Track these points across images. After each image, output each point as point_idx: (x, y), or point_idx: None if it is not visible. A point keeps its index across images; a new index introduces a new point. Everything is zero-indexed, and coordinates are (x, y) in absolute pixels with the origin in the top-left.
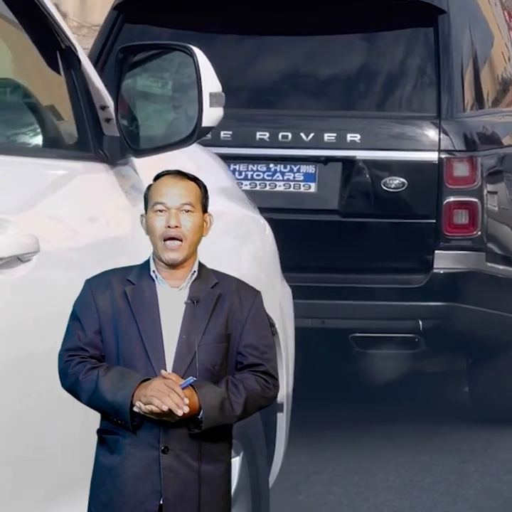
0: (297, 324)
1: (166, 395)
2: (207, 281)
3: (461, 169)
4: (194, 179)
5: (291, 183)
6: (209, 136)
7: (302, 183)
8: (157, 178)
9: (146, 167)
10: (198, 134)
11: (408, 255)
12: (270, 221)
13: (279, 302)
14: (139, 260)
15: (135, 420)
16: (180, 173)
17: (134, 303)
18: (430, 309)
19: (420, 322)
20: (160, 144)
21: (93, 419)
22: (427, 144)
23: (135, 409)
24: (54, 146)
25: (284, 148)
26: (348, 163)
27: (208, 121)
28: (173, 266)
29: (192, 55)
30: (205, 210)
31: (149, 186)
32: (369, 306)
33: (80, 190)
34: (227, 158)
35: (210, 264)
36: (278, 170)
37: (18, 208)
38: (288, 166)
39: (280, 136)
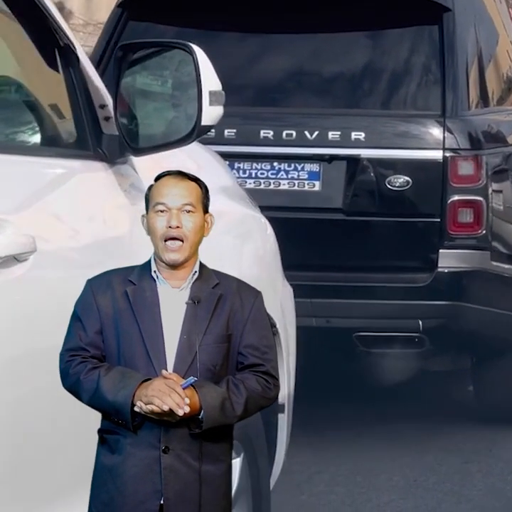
0: (301, 323)
1: (167, 394)
2: (208, 282)
3: (465, 168)
4: (195, 179)
5: (296, 182)
6: (213, 134)
7: (306, 182)
8: (158, 178)
9: (146, 166)
10: (198, 133)
11: (412, 254)
12: (274, 220)
13: (280, 302)
14: (137, 260)
15: (136, 420)
16: (181, 174)
17: (135, 303)
18: (435, 308)
19: (420, 322)
20: (159, 142)
21: (94, 419)
22: (432, 142)
23: (136, 409)
24: (52, 145)
25: (288, 146)
26: (353, 161)
27: (207, 119)
28: (174, 266)
29: (191, 52)
30: (206, 210)
31: (150, 187)
32: (373, 305)
33: (78, 189)
34: (231, 157)
35: (211, 264)
36: (282, 168)
37: (15, 208)
38: (292, 165)
39: (284, 135)
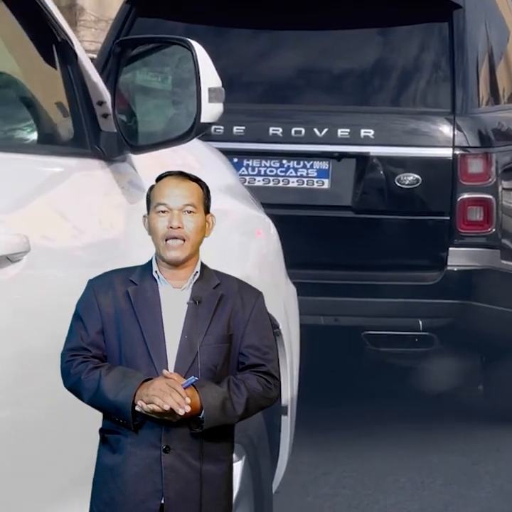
0: (310, 322)
1: (168, 394)
2: (209, 282)
3: (475, 166)
4: (196, 180)
5: (305, 179)
6: (222, 131)
7: (315, 179)
8: (159, 178)
9: (148, 164)
10: (197, 130)
11: (422, 252)
12: (283, 217)
13: (283, 303)
14: (134, 259)
15: (137, 420)
16: (182, 174)
17: (136, 303)
18: (444, 307)
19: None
20: (158, 140)
21: (95, 418)
22: (442, 140)
23: (137, 408)
24: (49, 142)
25: (297, 143)
26: (362, 159)
27: (207, 117)
28: (175, 265)
29: (190, 49)
30: (207, 210)
31: (152, 187)
32: (382, 304)
33: (74, 188)
34: (239, 154)
35: (214, 264)
36: (291, 166)
37: (9, 207)
38: (301, 162)
39: (293, 132)
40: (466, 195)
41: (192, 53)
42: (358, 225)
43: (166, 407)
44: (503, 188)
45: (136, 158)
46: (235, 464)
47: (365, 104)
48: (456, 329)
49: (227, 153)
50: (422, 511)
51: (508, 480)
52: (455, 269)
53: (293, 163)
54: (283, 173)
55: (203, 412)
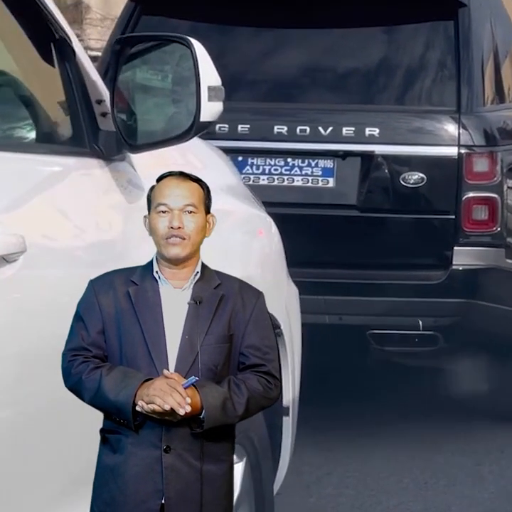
0: (315, 320)
1: (168, 394)
2: (210, 282)
3: (480, 164)
4: (197, 180)
5: (309, 178)
6: (226, 129)
7: (320, 178)
8: (160, 179)
9: (149, 164)
10: (196, 129)
11: (427, 251)
12: (288, 216)
13: (285, 303)
14: (131, 260)
15: (137, 420)
16: (183, 175)
17: (137, 303)
18: (449, 306)
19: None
20: (157, 139)
21: (96, 418)
22: (447, 138)
23: (137, 408)
24: (47, 141)
25: (302, 142)
26: (367, 157)
27: (206, 115)
28: (175, 264)
29: (190, 46)
30: (208, 210)
31: (152, 187)
32: (387, 303)
33: (72, 187)
34: (244, 152)
35: (216, 264)
36: (296, 164)
37: (5, 206)
38: (306, 161)
39: (298, 130)
40: (471, 194)
41: (191, 51)
42: (363, 224)
43: (167, 407)
44: (509, 187)
45: (137, 158)
46: (235, 466)
47: (370, 103)
48: (461, 328)
49: (232, 151)
50: None
51: (511, 481)
52: (460, 268)
53: (298, 162)
54: (288, 172)
55: (203, 412)
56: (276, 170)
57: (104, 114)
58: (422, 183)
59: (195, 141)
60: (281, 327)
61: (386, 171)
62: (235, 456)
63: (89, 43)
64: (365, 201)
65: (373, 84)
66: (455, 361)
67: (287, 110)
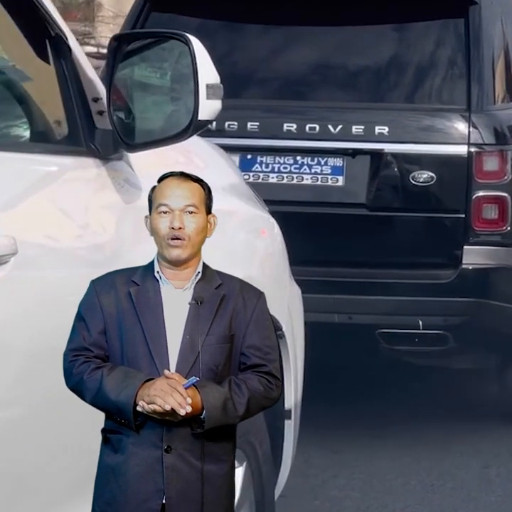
0: (324, 319)
1: (169, 394)
2: (211, 282)
3: (490, 163)
4: (198, 180)
5: (319, 176)
6: (235, 127)
7: (330, 176)
8: (161, 179)
9: (150, 163)
10: (194, 128)
11: (436, 250)
12: (297, 215)
13: (287, 304)
14: (126, 261)
15: (138, 420)
16: (184, 175)
17: (138, 303)
18: (458, 305)
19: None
20: (155, 138)
21: (98, 418)
22: (457, 137)
23: (138, 408)
24: (42, 141)
25: (311, 140)
26: (376, 156)
27: (204, 114)
28: (176, 265)
29: (188, 43)
30: (209, 211)
31: (153, 188)
32: (396, 302)
33: (68, 187)
34: (253, 150)
35: (218, 264)
36: (305, 162)
37: None
38: (315, 159)
39: (307, 128)
40: (481, 193)
41: (189, 48)
42: (373, 223)
43: (167, 408)
44: None
45: (137, 157)
46: (235, 470)
47: (379, 101)
48: (470, 328)
49: (241, 149)
50: None
51: None
52: (470, 267)
53: (307, 160)
54: (297, 170)
55: (204, 412)
56: (285, 168)
57: (100, 113)
58: (432, 182)
59: (197, 141)
60: (283, 329)
61: (396, 169)
62: (235, 461)
63: (100, 40)
64: (375, 200)
65: (383, 82)
66: (464, 361)
67: (297, 108)
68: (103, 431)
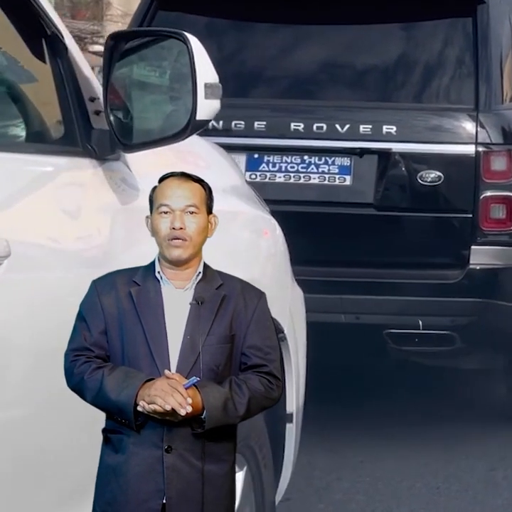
0: (330, 320)
1: (169, 394)
2: (212, 283)
3: (498, 163)
4: (199, 181)
5: (326, 176)
6: (242, 126)
7: (337, 176)
8: (162, 179)
9: (150, 164)
10: (192, 128)
11: (444, 250)
12: (304, 214)
13: (289, 307)
14: (120, 263)
15: (139, 420)
16: (184, 175)
17: (139, 304)
18: (466, 306)
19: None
20: (152, 138)
21: (99, 418)
22: (464, 136)
23: (139, 408)
24: (38, 141)
25: (318, 139)
26: (384, 155)
27: (203, 114)
28: (177, 265)
29: (186, 42)
30: (209, 211)
31: (154, 188)
32: (404, 302)
33: (62, 188)
34: (260, 149)
35: (220, 266)
36: (312, 162)
37: None
38: (323, 158)
39: (315, 128)
40: (488, 193)
41: (187, 47)
42: (380, 223)
43: (168, 408)
44: None
45: (137, 158)
46: (235, 475)
47: (387, 100)
48: (478, 328)
49: (248, 148)
50: None
51: None
52: (477, 267)
53: (314, 159)
54: (304, 170)
55: (204, 412)
56: (292, 167)
57: (97, 112)
58: (440, 182)
59: (198, 141)
60: (285, 331)
61: (403, 169)
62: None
63: None
64: (382, 199)
65: (391, 82)
66: (471, 361)
67: (304, 107)
68: (104, 431)
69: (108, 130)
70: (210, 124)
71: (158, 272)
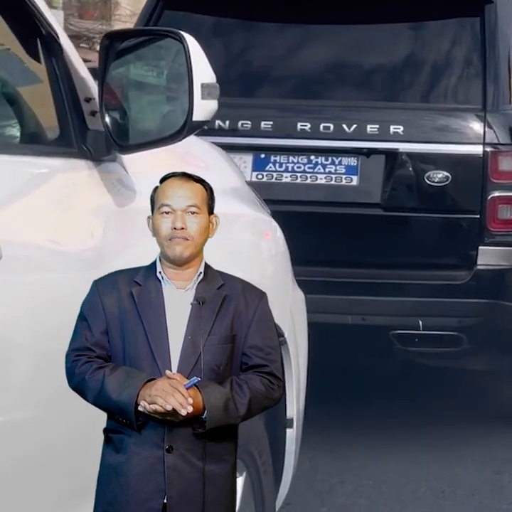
0: (337, 320)
1: (170, 394)
2: (213, 283)
3: (506, 163)
4: (200, 181)
5: (333, 176)
6: (249, 126)
7: (344, 176)
8: (163, 180)
9: (149, 165)
10: (189, 129)
11: (451, 251)
12: (311, 214)
13: (289, 309)
14: (115, 265)
15: (140, 419)
16: (186, 175)
17: (140, 304)
18: (473, 306)
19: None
20: (149, 139)
21: (100, 418)
22: (472, 136)
23: (140, 408)
24: (33, 142)
25: (325, 139)
26: (391, 155)
27: (199, 115)
28: (178, 265)
29: (182, 41)
30: (211, 211)
31: (156, 188)
32: (410, 303)
33: (56, 190)
34: (267, 149)
35: (220, 268)
36: (319, 162)
37: None
38: (329, 158)
39: (322, 127)
40: (496, 193)
41: (184, 46)
42: (387, 223)
43: (169, 408)
44: None
45: (136, 159)
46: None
47: (394, 100)
48: (485, 329)
49: (255, 148)
50: None
51: None
52: (485, 268)
53: (321, 160)
54: (311, 170)
55: (205, 412)
56: (299, 167)
57: (93, 113)
58: (447, 182)
59: (199, 142)
60: (285, 335)
61: (410, 169)
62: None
63: None
64: (389, 200)
65: (398, 82)
66: (478, 362)
67: (311, 107)
68: (105, 431)
69: (104, 131)
70: (217, 124)
71: (160, 272)
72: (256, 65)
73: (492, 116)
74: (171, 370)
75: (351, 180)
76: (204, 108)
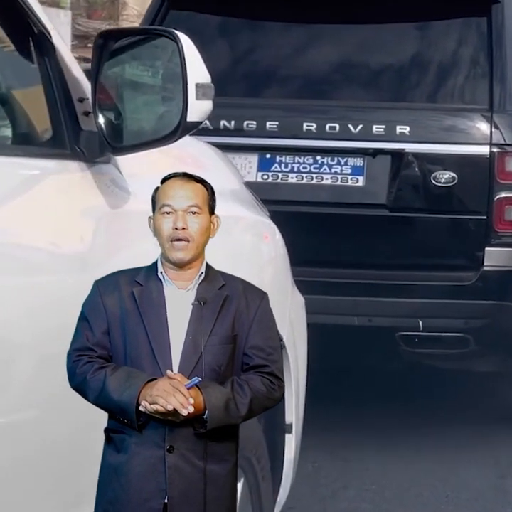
0: (343, 322)
1: (171, 394)
2: (214, 283)
3: None
4: (201, 181)
5: (339, 176)
6: (254, 126)
7: (350, 177)
8: (164, 180)
9: (148, 166)
10: (183, 130)
11: (458, 252)
12: (316, 215)
13: (288, 313)
14: (108, 267)
15: (141, 419)
16: (187, 176)
17: (141, 304)
18: (480, 308)
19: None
20: (143, 140)
21: (101, 418)
22: (478, 137)
23: (141, 408)
24: (24, 143)
25: (331, 139)
26: (397, 156)
27: (194, 115)
28: (180, 266)
29: (176, 41)
30: (212, 211)
31: (157, 188)
32: (417, 304)
33: (48, 192)
34: (272, 150)
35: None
36: (325, 162)
37: None
38: (335, 159)
39: (327, 128)
40: (503, 194)
41: (178, 46)
42: (393, 224)
43: (170, 408)
44: None
45: (132, 160)
46: None
47: (401, 100)
48: (491, 330)
49: (260, 149)
50: None
51: None
52: (491, 269)
53: (327, 160)
54: (317, 170)
55: (206, 412)
56: (305, 168)
57: (86, 114)
58: (453, 183)
59: (197, 144)
60: (284, 339)
61: (417, 169)
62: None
63: None
64: (395, 200)
65: (404, 82)
66: (485, 364)
67: (317, 107)
68: (106, 430)
69: (97, 132)
70: (222, 124)
71: (161, 273)
72: (261, 64)
73: (499, 117)
74: (172, 371)
75: (357, 180)
76: (198, 108)
